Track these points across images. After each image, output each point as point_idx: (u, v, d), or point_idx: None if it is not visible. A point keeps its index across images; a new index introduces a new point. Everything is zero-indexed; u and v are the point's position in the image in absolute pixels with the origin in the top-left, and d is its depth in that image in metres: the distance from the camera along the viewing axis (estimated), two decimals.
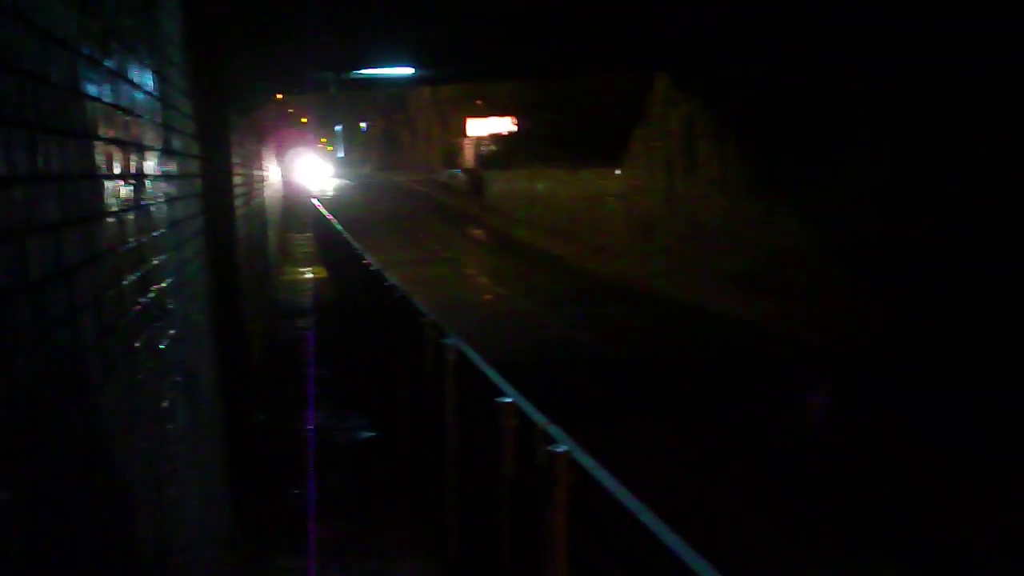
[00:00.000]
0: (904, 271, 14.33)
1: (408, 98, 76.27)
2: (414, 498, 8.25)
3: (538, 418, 4.56)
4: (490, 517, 5.41)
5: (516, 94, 44.81)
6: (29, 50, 2.34)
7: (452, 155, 58.76)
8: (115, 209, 3.30)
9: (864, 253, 15.35)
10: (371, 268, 12.76)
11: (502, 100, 47.29)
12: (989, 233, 12.65)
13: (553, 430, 4.32)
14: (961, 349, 12.59)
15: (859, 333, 14.66)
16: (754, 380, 13.05)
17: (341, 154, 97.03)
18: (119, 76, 3.56)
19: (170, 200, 4.78)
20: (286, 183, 41.28)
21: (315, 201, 39.31)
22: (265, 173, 19.59)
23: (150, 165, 4.20)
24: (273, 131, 26.40)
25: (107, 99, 3.28)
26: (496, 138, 50.53)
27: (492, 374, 5.68)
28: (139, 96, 4.03)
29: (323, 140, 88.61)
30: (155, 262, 4.12)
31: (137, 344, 3.54)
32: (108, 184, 3.21)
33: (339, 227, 24.03)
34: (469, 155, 55.76)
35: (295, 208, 40.93)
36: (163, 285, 4.29)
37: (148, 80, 4.37)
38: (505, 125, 48.25)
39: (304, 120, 73.13)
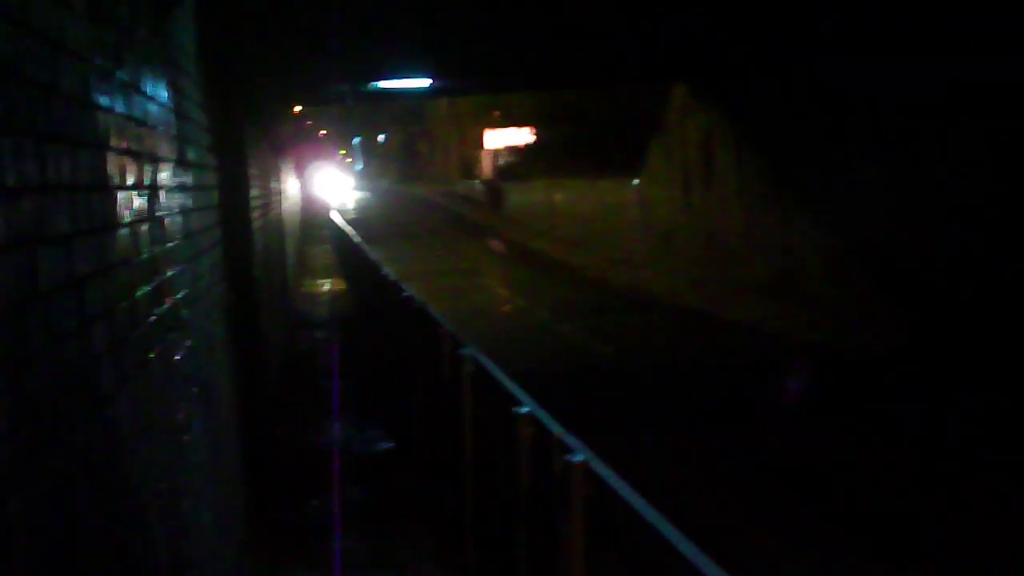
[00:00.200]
0: (924, 277, 14.24)
1: (426, 110, 76.43)
2: (431, 509, 8.23)
3: (555, 428, 4.53)
4: (506, 528, 5.38)
5: (533, 105, 44.79)
6: (40, 61, 2.34)
7: (470, 166, 58.84)
8: (128, 220, 3.29)
9: (883, 260, 15.27)
10: (389, 279, 12.76)
11: (519, 111, 47.30)
12: (1009, 237, 12.59)
13: (570, 440, 4.29)
14: (990, 352, 12.50)
15: (880, 340, 14.57)
16: (777, 390, 12.96)
17: (359, 166, 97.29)
18: (132, 87, 3.56)
19: (185, 212, 4.78)
20: (305, 196, 41.41)
21: (334, 213, 39.40)
22: (283, 186, 19.65)
23: (164, 177, 4.19)
24: (291, 144, 26.48)
25: (120, 110, 3.28)
26: (513, 149, 50.55)
27: (509, 384, 5.66)
28: (153, 107, 4.03)
29: (343, 152, 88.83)
30: (169, 274, 4.12)
31: (151, 356, 3.53)
32: (121, 195, 3.20)
33: (357, 239, 24.08)
34: (487, 166, 55.80)
35: (314, 220, 41.05)
36: (178, 297, 4.29)
37: (162, 91, 4.37)
38: (522, 136, 48.23)
39: (323, 133, 73.37)
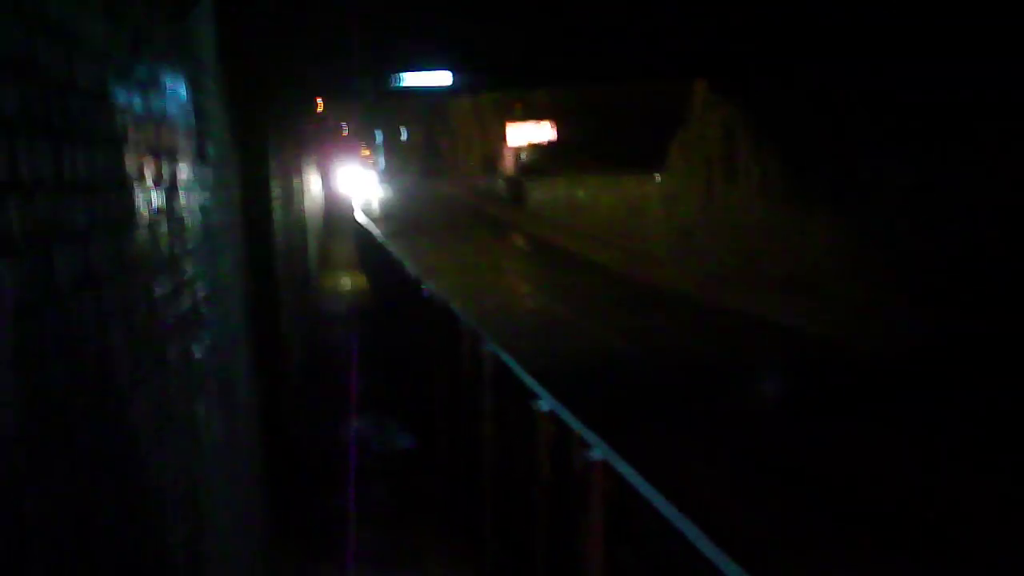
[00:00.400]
0: (946, 276, 14.14)
1: (448, 106, 76.44)
2: (450, 506, 8.23)
3: (575, 425, 4.52)
4: (525, 525, 5.37)
5: (555, 103, 44.75)
6: (56, 57, 2.33)
7: (492, 163, 58.79)
8: (146, 217, 3.28)
9: (904, 259, 15.17)
10: (410, 275, 12.76)
11: (541, 108, 47.25)
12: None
13: (590, 437, 4.27)
14: (1013, 353, 12.41)
15: (902, 338, 14.47)
16: (799, 388, 12.90)
17: (382, 162, 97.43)
18: (150, 84, 3.55)
19: (204, 209, 4.77)
20: (328, 192, 41.49)
21: (356, 209, 39.48)
22: (305, 182, 19.67)
23: (183, 174, 4.19)
24: (313, 141, 26.53)
25: (138, 107, 3.27)
26: (536, 146, 50.49)
27: (529, 381, 5.65)
28: (171, 104, 4.02)
29: (366, 151, 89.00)
30: (189, 270, 4.11)
31: (170, 353, 3.53)
32: (139, 192, 3.19)
33: (379, 235, 24.10)
34: (509, 162, 55.75)
35: (337, 217, 41.12)
36: (197, 294, 4.28)
37: (181, 88, 4.36)
38: (545, 132, 48.15)
39: (345, 132, 73.51)
